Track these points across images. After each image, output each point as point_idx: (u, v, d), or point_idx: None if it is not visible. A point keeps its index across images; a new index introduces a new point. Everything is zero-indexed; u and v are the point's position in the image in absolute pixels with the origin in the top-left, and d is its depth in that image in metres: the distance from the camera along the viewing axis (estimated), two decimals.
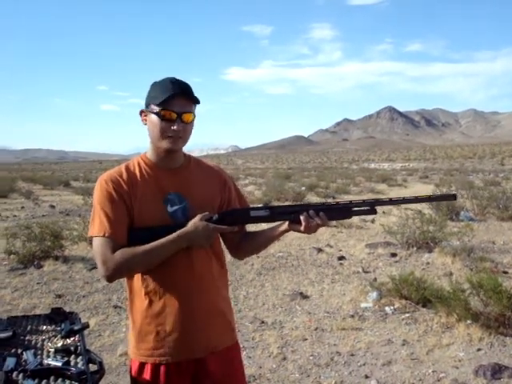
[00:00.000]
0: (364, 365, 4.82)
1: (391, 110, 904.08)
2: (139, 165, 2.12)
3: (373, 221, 14.51)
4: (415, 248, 10.03)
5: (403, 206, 17.75)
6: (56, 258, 9.15)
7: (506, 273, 8.08)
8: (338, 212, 2.11)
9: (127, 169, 2.10)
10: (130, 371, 2.16)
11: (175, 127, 2.00)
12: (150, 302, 2.07)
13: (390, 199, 2.13)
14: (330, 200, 21.52)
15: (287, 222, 2.11)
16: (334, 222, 13.57)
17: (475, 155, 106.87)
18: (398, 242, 10.43)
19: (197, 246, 2.06)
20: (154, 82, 2.07)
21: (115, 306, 6.59)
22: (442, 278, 7.68)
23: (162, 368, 2.07)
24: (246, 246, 2.28)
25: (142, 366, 2.10)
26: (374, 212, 2.09)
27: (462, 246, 9.48)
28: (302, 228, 2.05)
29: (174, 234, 1.97)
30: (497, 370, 4.49)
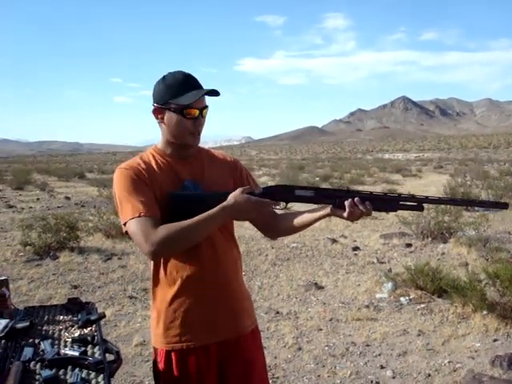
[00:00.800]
0: (379, 355, 4.81)
1: (405, 99, 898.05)
2: (153, 156, 2.13)
3: None
4: (430, 238, 9.98)
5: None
6: (71, 249, 9.22)
7: None
8: (385, 204, 2.05)
9: (142, 159, 2.11)
10: (155, 362, 2.16)
11: (198, 123, 2.04)
12: (174, 289, 2.08)
13: (439, 198, 2.07)
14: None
15: (329, 207, 2.07)
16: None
17: (490, 145, 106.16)
18: (412, 233, 10.38)
19: (241, 219, 2.06)
20: (165, 78, 2.06)
21: (130, 297, 6.62)
22: (457, 268, 7.63)
23: (189, 353, 2.08)
24: (281, 226, 2.25)
25: (168, 353, 2.10)
26: (421, 209, 2.04)
27: (477, 236, 9.42)
28: (346, 214, 2.01)
29: (217, 208, 1.94)
30: None
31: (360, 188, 23.58)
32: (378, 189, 22.93)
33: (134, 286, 7.16)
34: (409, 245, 9.65)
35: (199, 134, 2.09)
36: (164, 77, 2.06)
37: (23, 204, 17.87)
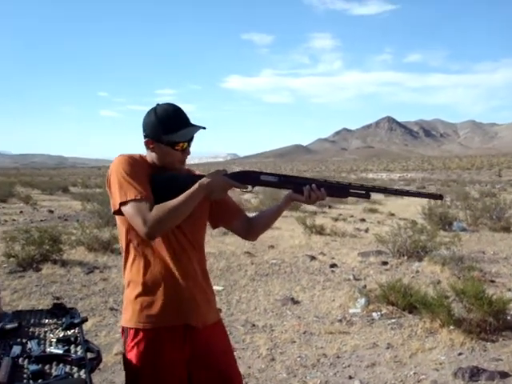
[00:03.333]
0: (349, 366, 5.02)
1: (390, 120, 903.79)
2: (142, 160, 2.33)
3: (366, 230, 14.75)
4: (406, 257, 10.25)
5: (398, 216, 17.99)
6: (54, 262, 9.31)
7: (493, 281, 8.30)
8: (337, 191, 2.36)
9: (138, 156, 2.34)
10: (125, 342, 2.32)
11: (187, 152, 2.34)
12: (145, 273, 2.28)
13: (385, 188, 2.40)
14: (326, 209, 21.84)
15: (290, 193, 2.36)
16: (327, 230, 13.80)
17: (473, 166, 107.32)
18: (389, 251, 10.64)
19: (213, 197, 2.30)
20: (156, 111, 2.28)
21: (111, 309, 6.77)
22: (430, 285, 7.87)
23: (157, 334, 2.27)
24: (256, 224, 2.54)
25: (137, 332, 2.27)
26: (368, 197, 2.34)
27: (450, 255, 9.69)
28: (303, 198, 2.31)
29: (195, 185, 2.19)
30: (475, 373, 4.68)
31: (342, 206, 23.96)
32: (359, 208, 23.24)
33: (115, 298, 7.31)
34: (385, 263, 9.91)
35: (186, 160, 2.37)
36: (155, 110, 2.29)
37: (6, 216, 17.88)
